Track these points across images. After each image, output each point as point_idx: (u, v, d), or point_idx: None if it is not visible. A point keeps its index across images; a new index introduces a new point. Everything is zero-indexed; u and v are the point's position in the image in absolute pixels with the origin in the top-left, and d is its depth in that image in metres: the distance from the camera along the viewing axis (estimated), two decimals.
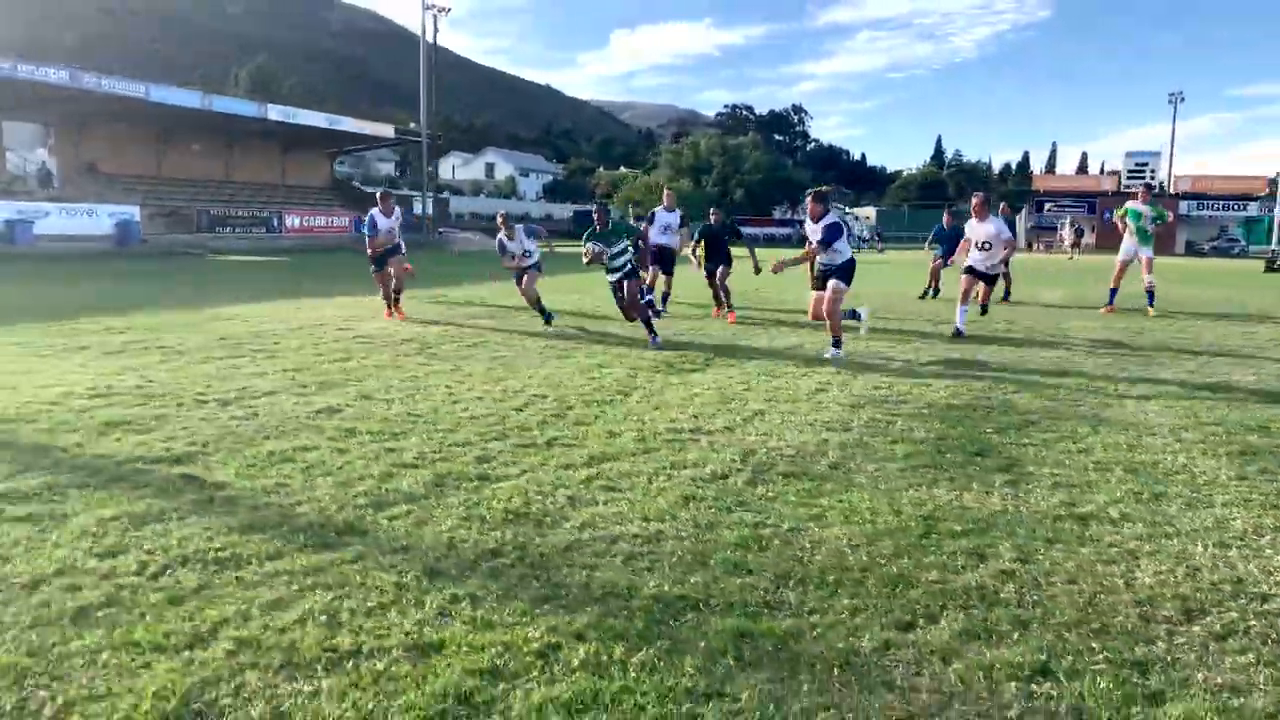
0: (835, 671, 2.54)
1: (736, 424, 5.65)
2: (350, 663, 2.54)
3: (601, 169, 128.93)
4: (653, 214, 13.18)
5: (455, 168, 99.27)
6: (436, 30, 49.93)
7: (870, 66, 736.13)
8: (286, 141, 47.42)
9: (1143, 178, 69.39)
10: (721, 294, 12.44)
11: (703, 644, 2.68)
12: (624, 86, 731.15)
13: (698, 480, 4.42)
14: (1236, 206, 64.86)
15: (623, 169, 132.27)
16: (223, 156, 45.77)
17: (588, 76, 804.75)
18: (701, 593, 3.06)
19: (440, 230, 50.39)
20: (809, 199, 9.03)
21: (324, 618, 2.82)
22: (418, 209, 50.68)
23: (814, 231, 8.85)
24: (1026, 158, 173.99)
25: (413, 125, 51.08)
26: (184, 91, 36.60)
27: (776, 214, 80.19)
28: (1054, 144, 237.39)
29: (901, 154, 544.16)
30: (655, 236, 12.84)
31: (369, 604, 2.93)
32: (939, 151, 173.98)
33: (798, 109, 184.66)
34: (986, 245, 10.85)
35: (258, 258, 29.02)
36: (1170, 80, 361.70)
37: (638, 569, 3.28)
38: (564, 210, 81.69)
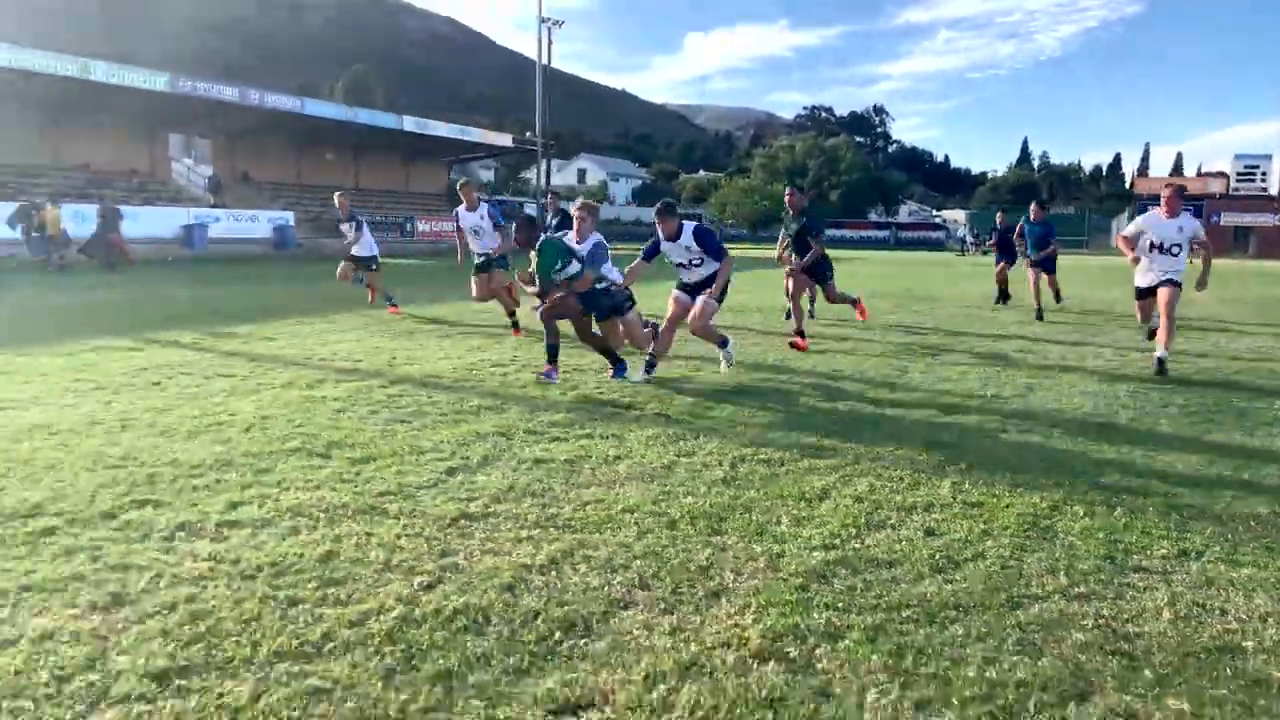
0: None
1: None
2: None
3: (683, 173, 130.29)
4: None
5: (551, 173, 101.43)
6: (551, 43, 51.30)
7: (949, 66, 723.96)
8: (409, 150, 49.52)
9: (1253, 180, 68.01)
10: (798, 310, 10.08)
11: None
12: (697, 89, 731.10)
13: None
14: None
15: (702, 172, 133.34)
16: (352, 165, 48.03)
17: (661, 80, 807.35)
18: None
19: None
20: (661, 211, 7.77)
21: None
22: (529, 211, 52.75)
23: (669, 249, 7.75)
24: (1118, 159, 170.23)
25: (528, 134, 52.81)
26: (332, 105, 38.86)
27: (872, 216, 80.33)
28: (1147, 145, 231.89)
29: (984, 155, 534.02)
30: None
31: None
32: (1025, 153, 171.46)
33: (879, 110, 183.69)
34: (1174, 249, 8.26)
35: (411, 260, 30.68)
36: (1276, 76, 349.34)
37: None
38: (652, 214, 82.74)
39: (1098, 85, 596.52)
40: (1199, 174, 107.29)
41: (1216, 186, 70.51)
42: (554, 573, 3.29)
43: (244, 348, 8.99)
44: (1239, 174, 68.33)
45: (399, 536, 3.63)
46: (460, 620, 2.87)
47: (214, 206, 35.01)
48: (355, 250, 13.03)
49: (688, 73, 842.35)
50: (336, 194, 13.54)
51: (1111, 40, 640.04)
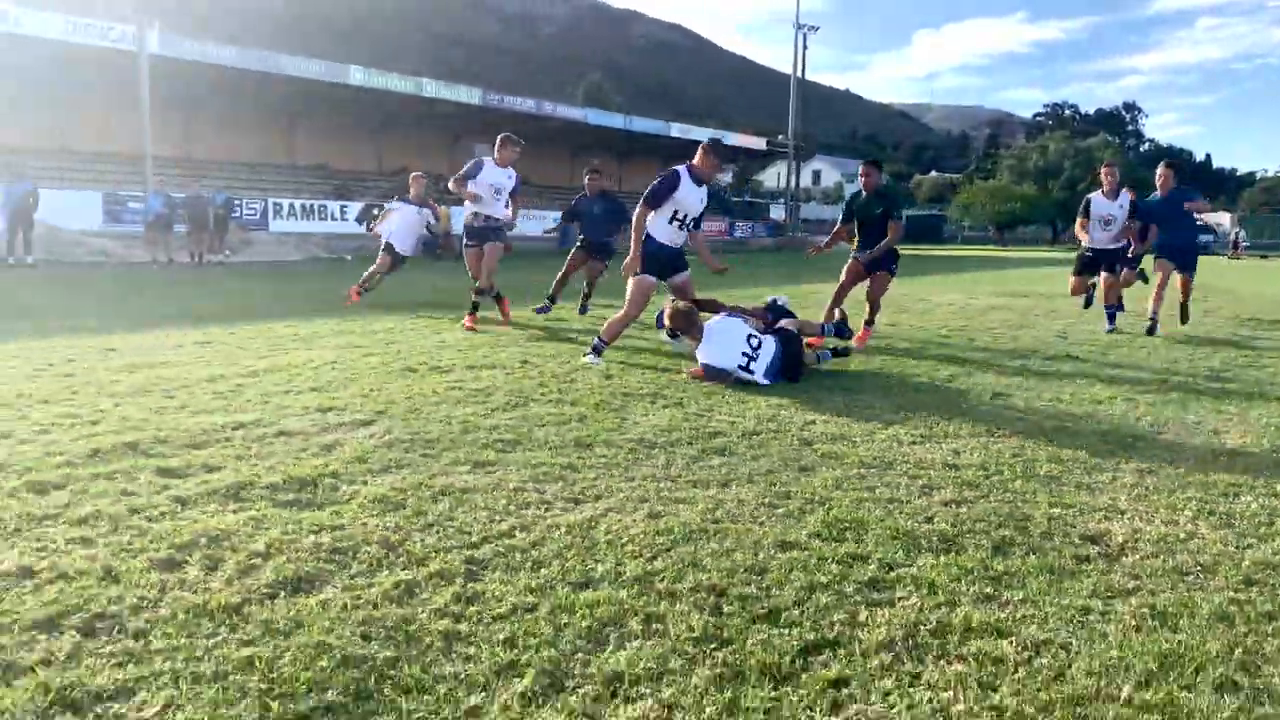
0: None
1: None
2: None
3: (916, 174, 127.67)
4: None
5: (780, 175, 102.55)
6: (805, 48, 52.65)
7: (1210, 56, 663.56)
8: (667, 154, 52.33)
9: None
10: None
11: None
12: (923, 88, 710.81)
13: None
14: None
15: (934, 173, 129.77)
16: (616, 169, 51.45)
17: (881, 79, 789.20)
18: None
19: (793, 234, 53.64)
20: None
21: None
22: (776, 213, 54.59)
23: None
24: None
25: (780, 137, 54.34)
26: (610, 114, 41.93)
27: None
28: None
29: (1252, 154, 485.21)
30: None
31: None
32: None
33: (1130, 106, 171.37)
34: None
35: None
36: None
37: None
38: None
39: None
40: None
41: None
42: None
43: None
44: None
45: None
46: None
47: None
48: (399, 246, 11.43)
49: (912, 71, 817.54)
50: (413, 175, 11.88)
51: None
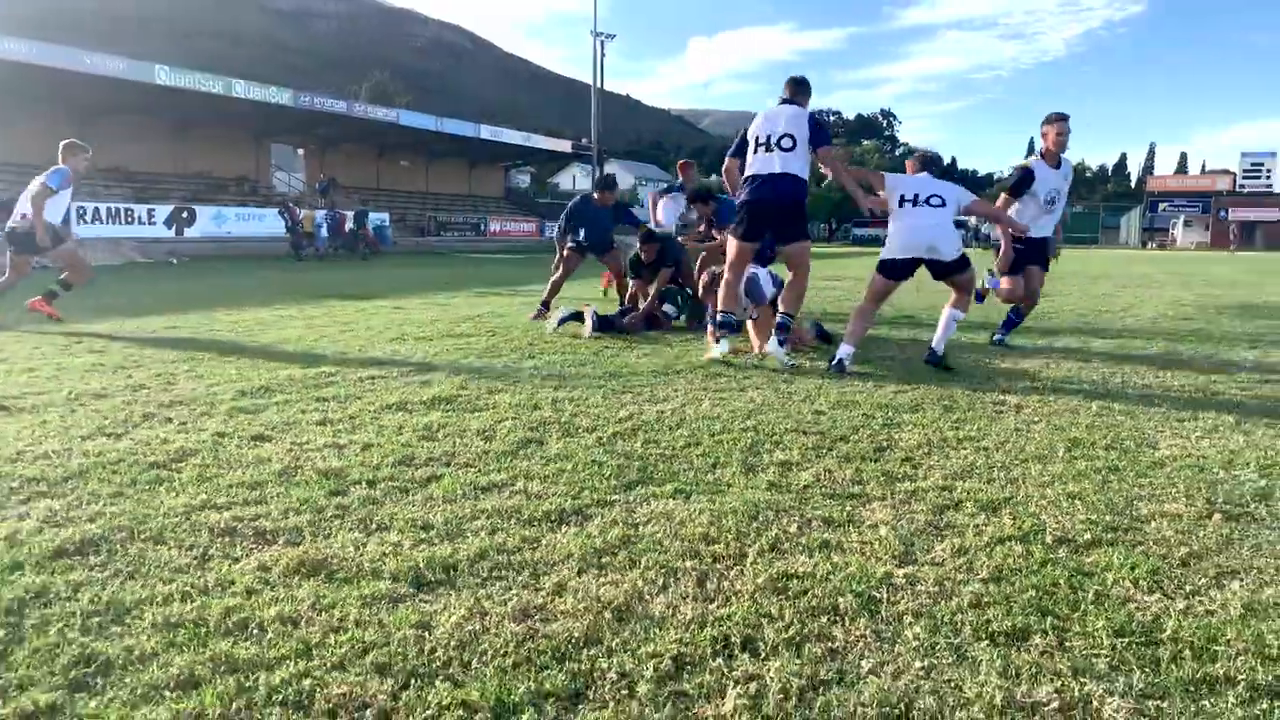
0: None
1: None
2: None
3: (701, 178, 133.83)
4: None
5: (576, 178, 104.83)
6: (604, 55, 54.80)
7: (953, 67, 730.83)
8: (475, 156, 52.95)
9: (1258, 178, 71.45)
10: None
11: None
12: (701, 94, 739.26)
13: None
14: None
15: (714, 177, 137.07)
16: (423, 170, 51.44)
17: (665, 85, 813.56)
18: None
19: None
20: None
21: None
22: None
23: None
24: (1124, 159, 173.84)
25: (584, 141, 56.16)
26: (424, 116, 42.15)
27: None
28: (1152, 144, 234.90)
29: (990, 156, 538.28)
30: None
31: None
32: (1031, 153, 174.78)
33: (886, 113, 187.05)
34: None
35: (503, 255, 33.99)
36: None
37: None
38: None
39: (1102, 85, 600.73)
40: (1203, 171, 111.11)
41: (1224, 184, 74.01)
42: None
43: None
44: (1245, 171, 71.74)
45: None
46: None
47: (322, 207, 38.38)
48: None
49: (691, 78, 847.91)
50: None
51: (1114, 40, 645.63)
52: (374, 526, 2.89)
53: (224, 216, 32.79)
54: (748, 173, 6.61)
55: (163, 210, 30.24)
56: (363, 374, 5.77)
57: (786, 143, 6.43)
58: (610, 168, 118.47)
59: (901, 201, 6.37)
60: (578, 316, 8.31)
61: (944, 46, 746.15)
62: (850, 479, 3.50)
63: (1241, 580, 2.52)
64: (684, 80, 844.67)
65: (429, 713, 1.81)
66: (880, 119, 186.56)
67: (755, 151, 6.55)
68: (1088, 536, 2.85)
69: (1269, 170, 71.75)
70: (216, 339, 7.63)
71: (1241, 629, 2.20)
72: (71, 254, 9.14)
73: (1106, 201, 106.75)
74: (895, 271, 6.43)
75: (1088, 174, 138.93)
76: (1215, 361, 6.81)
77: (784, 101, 6.69)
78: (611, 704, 1.85)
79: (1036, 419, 4.62)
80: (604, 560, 2.61)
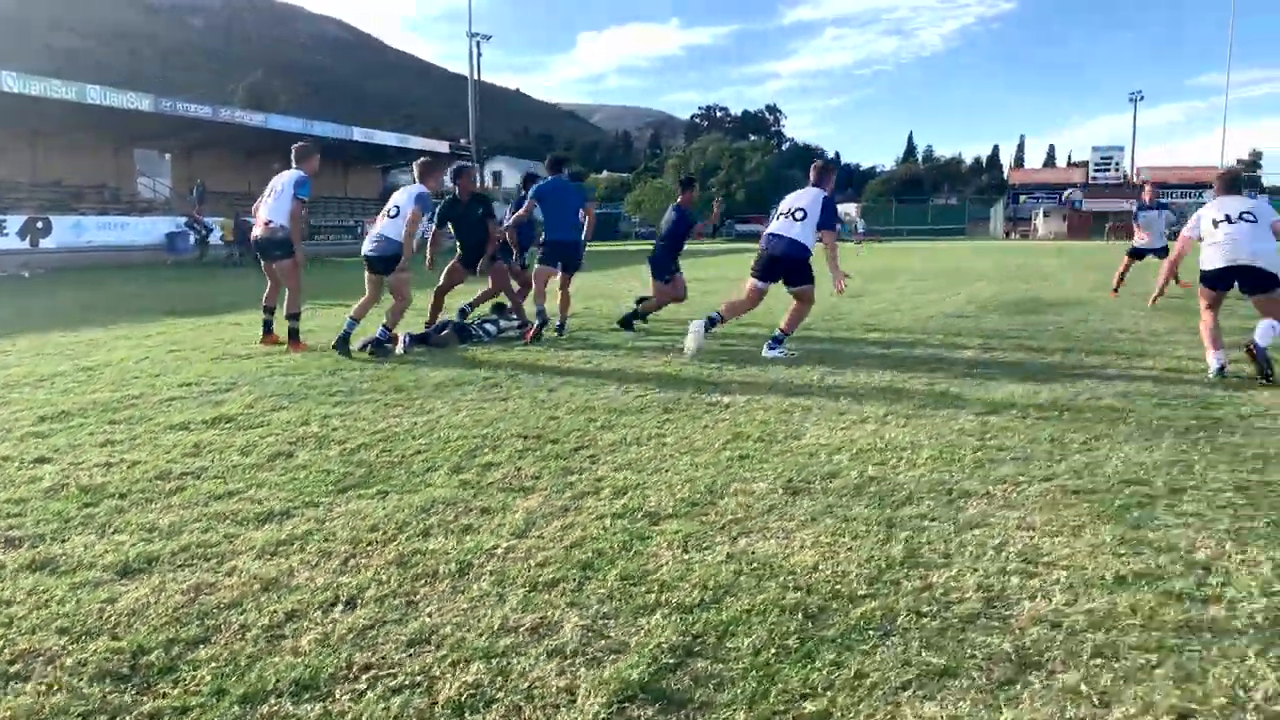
0: None
1: None
2: None
3: (592, 174, 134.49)
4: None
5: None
6: (480, 54, 55.10)
7: (838, 63, 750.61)
8: (351, 158, 52.50)
9: (1108, 170, 76.31)
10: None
11: None
12: (593, 89, 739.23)
13: None
14: (1194, 194, 71.84)
15: (606, 172, 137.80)
16: None
17: (557, 80, 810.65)
18: None
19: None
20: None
21: None
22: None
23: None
24: (996, 151, 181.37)
25: (463, 141, 56.27)
26: (293, 119, 41.71)
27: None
28: (1022, 137, 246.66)
29: (873, 150, 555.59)
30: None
31: None
32: (911, 147, 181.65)
33: (773, 109, 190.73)
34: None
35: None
36: (1141, 68, 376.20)
37: None
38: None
39: (978, 80, 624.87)
40: (1069, 164, 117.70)
41: (1078, 176, 78.81)
42: None
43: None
44: (1096, 164, 76.51)
45: None
46: None
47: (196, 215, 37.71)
48: None
49: (583, 72, 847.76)
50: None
51: (987, 37, 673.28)
52: (110, 531, 3.60)
53: (84, 226, 32.02)
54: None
55: (15, 221, 29.39)
56: (166, 396, 6.37)
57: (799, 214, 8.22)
58: (497, 165, 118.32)
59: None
60: (457, 329, 9.34)
61: (829, 43, 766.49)
62: (531, 474, 4.36)
63: (748, 537, 3.47)
64: (575, 75, 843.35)
65: (86, 656, 2.56)
66: (767, 114, 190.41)
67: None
68: (669, 511, 3.78)
69: (1117, 163, 76.63)
70: (41, 362, 8.04)
71: (717, 571, 3.13)
72: None
73: (980, 194, 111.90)
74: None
75: (962, 167, 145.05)
76: (936, 359, 7.97)
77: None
78: (224, 645, 2.64)
79: (727, 418, 5.58)
80: (279, 549, 3.39)
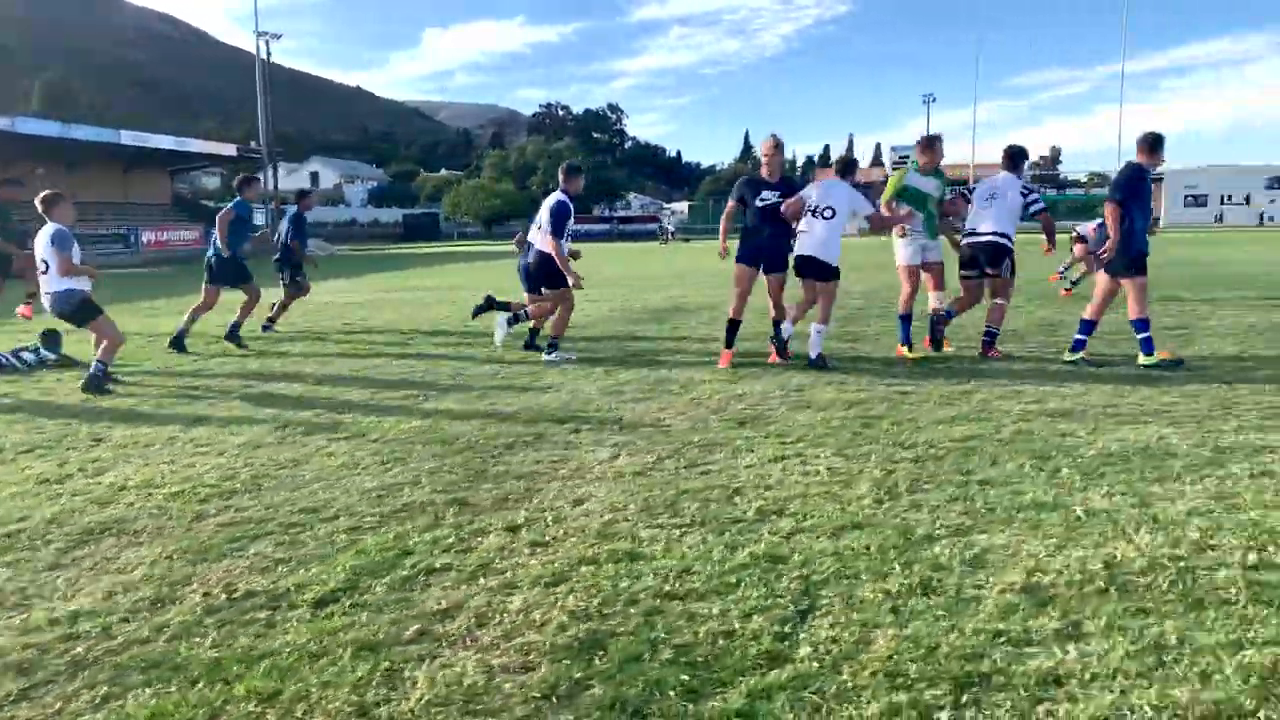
0: None
1: None
2: None
3: (424, 171, 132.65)
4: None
5: (279, 178, 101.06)
6: (270, 54, 53.42)
7: (684, 62, 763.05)
8: (129, 161, 50.01)
9: (903, 167, 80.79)
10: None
11: None
12: (440, 85, 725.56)
13: None
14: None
15: (444, 171, 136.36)
16: (65, 177, 47.93)
17: (401, 76, 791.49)
18: None
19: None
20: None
21: None
22: (260, 220, 55.12)
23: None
24: (827, 150, 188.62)
25: (252, 143, 54.47)
26: (47, 122, 39.48)
27: (596, 211, 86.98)
28: (850, 136, 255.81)
29: (714, 149, 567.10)
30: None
31: None
32: (747, 146, 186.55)
33: (614, 108, 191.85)
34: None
35: (144, 271, 32.84)
36: (967, 69, 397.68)
37: None
38: (392, 215, 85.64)
39: (814, 81, 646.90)
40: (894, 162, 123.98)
41: (879, 175, 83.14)
42: None
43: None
44: (894, 164, 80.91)
45: None
46: None
47: None
48: None
49: (429, 68, 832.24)
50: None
51: (824, 37, 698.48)
52: None
53: None
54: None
55: None
56: None
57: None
58: (315, 166, 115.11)
59: None
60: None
61: (675, 41, 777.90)
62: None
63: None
64: (421, 71, 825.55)
65: None
66: (609, 113, 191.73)
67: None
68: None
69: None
70: None
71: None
72: None
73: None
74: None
75: (791, 167, 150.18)
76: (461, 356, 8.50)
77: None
78: None
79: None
80: None
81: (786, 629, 2.95)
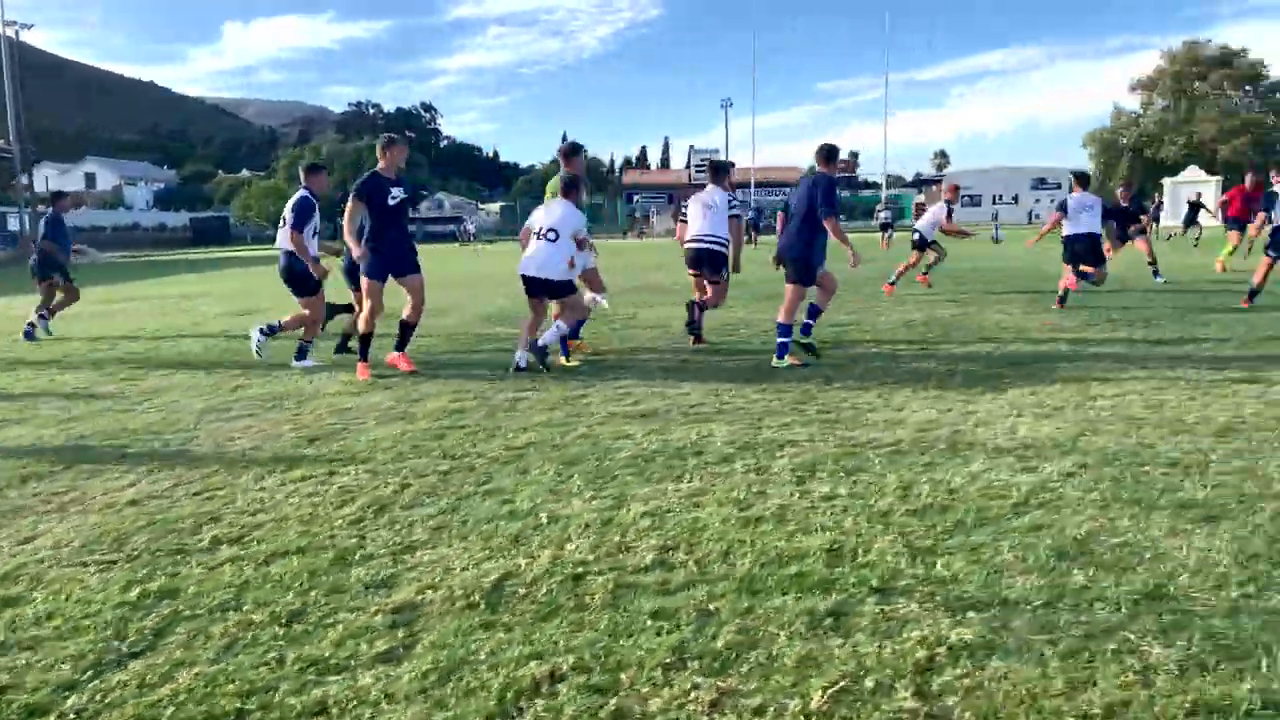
0: None
1: None
2: None
3: (221, 172, 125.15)
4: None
5: (50, 179, 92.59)
6: (18, 46, 48.83)
7: (501, 62, 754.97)
8: None
9: (704, 172, 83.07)
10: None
11: None
12: (243, 81, 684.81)
13: None
14: (775, 193, 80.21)
15: (245, 171, 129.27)
16: None
17: (200, 71, 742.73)
18: None
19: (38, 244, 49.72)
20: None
21: None
22: (13, 225, 50.34)
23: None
24: (644, 152, 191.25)
25: (1, 143, 49.67)
26: None
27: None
28: (666, 138, 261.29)
29: (532, 150, 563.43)
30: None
31: None
32: (571, 149, 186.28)
33: (428, 107, 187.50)
34: None
35: None
36: (777, 73, 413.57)
37: None
38: (180, 219, 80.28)
39: (629, 83, 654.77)
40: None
41: (686, 177, 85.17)
42: None
43: None
44: (696, 165, 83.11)
45: None
46: None
47: None
48: None
49: (231, 63, 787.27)
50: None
51: (638, 40, 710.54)
52: None
53: None
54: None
55: None
56: None
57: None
58: (90, 166, 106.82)
59: None
60: None
61: (492, 41, 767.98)
62: None
63: None
64: (223, 66, 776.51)
65: None
66: (422, 112, 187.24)
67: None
68: None
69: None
70: None
71: None
72: None
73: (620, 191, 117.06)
74: None
75: (603, 168, 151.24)
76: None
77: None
78: None
79: None
80: None
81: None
